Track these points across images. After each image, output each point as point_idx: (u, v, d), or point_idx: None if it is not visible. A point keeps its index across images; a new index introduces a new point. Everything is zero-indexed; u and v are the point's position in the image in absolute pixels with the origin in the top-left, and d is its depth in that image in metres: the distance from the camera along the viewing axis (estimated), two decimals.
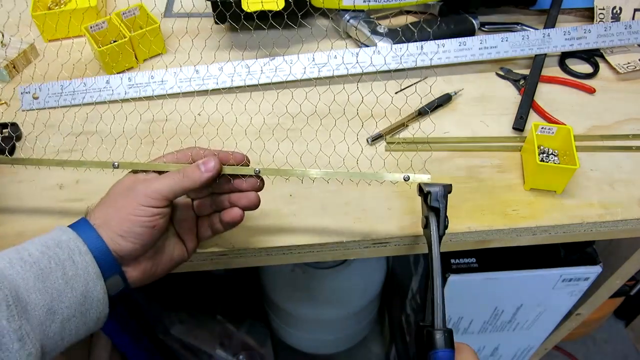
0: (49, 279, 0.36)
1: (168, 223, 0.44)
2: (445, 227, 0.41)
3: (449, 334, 0.36)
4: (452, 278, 0.68)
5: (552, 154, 0.56)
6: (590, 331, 1.42)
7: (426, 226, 0.42)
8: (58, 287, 0.37)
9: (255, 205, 0.45)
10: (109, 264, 0.40)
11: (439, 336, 0.35)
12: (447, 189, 0.41)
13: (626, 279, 0.72)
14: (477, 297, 0.73)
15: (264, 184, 0.46)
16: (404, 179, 0.43)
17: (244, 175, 0.44)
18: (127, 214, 0.40)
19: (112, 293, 0.41)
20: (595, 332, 1.43)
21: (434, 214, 0.41)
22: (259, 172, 0.44)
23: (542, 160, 0.54)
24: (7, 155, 0.57)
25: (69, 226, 0.41)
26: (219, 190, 0.46)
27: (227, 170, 0.44)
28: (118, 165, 0.45)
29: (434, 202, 0.40)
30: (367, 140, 0.59)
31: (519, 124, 0.60)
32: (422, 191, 0.42)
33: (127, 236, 0.40)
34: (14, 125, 0.58)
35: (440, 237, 0.40)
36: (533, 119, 0.62)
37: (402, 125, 0.60)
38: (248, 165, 0.45)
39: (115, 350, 0.90)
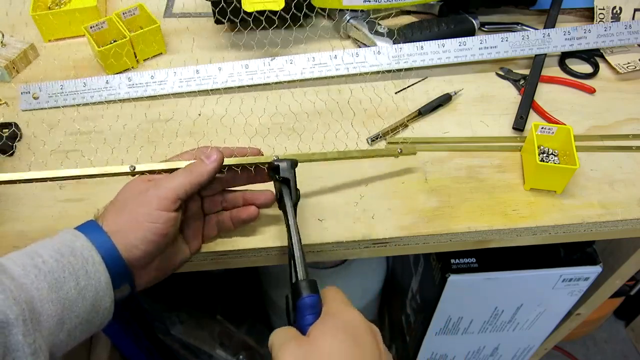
0: (63, 289, 0.36)
1: (176, 232, 0.44)
2: (298, 197, 0.45)
3: (312, 283, 0.38)
4: (452, 278, 0.68)
5: (552, 154, 0.56)
6: (590, 331, 1.42)
7: (280, 199, 0.45)
8: (70, 297, 0.36)
9: (272, 202, 0.47)
10: (121, 273, 0.39)
11: (303, 285, 0.38)
12: (294, 163, 0.46)
13: (626, 279, 0.72)
14: (477, 297, 0.73)
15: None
16: (399, 151, 0.53)
17: (263, 165, 0.47)
18: (142, 221, 0.40)
19: (118, 299, 0.41)
20: (595, 332, 1.43)
21: (286, 185, 0.45)
22: (278, 158, 0.46)
23: (542, 160, 0.54)
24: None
25: (79, 228, 0.40)
26: (238, 183, 0.48)
27: (247, 160, 0.46)
28: (134, 168, 0.45)
29: (284, 174, 0.45)
30: (367, 140, 0.59)
31: (519, 124, 0.60)
32: (272, 169, 0.46)
33: (139, 245, 0.39)
34: (14, 125, 0.58)
35: (294, 205, 0.44)
36: (533, 119, 0.62)
37: (402, 125, 0.60)
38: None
39: (115, 351, 0.90)
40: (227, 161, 0.46)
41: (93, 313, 0.38)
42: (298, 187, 0.45)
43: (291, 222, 0.42)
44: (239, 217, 0.47)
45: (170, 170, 0.44)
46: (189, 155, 0.45)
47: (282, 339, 0.35)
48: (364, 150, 0.52)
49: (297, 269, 0.40)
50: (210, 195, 0.48)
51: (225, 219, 0.47)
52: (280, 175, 0.45)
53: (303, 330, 0.36)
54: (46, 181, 0.45)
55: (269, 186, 0.48)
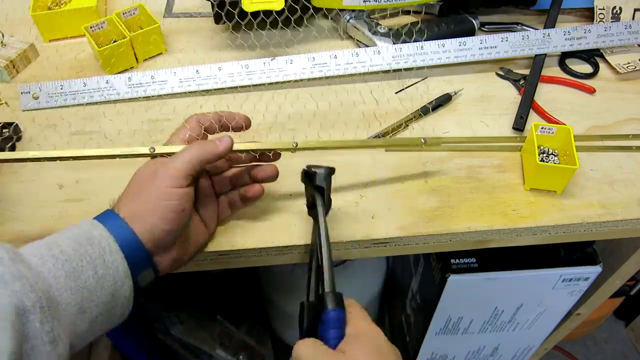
0: (80, 278, 0.36)
1: (192, 207, 0.44)
2: (330, 205, 0.45)
3: (339, 296, 0.38)
4: (452, 278, 0.68)
5: (552, 154, 0.56)
6: (590, 331, 1.42)
7: (312, 206, 0.45)
8: (89, 286, 0.37)
9: (274, 177, 0.48)
10: (141, 258, 0.40)
11: (330, 297, 0.37)
12: (331, 171, 0.44)
13: (626, 279, 0.72)
14: (477, 297, 0.73)
15: (279, 156, 0.49)
16: (422, 141, 0.52)
17: (282, 150, 0.47)
18: (156, 201, 0.40)
19: (143, 284, 0.41)
20: (595, 332, 1.43)
21: (319, 194, 0.44)
22: (297, 145, 0.47)
23: (542, 160, 0.54)
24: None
25: (97, 218, 0.40)
26: (240, 162, 0.48)
27: (266, 145, 0.47)
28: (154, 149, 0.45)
29: (320, 182, 0.43)
30: None
31: (519, 124, 0.60)
32: (308, 174, 0.45)
33: (159, 224, 0.40)
34: (14, 125, 0.58)
35: (326, 213, 0.43)
36: (533, 119, 0.62)
37: (402, 125, 0.60)
38: (249, 125, 0.48)
39: (116, 351, 0.90)
40: (247, 146, 0.46)
41: (112, 302, 0.38)
42: (299, 186, 0.45)
43: (322, 232, 0.41)
44: (246, 196, 0.47)
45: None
46: (192, 127, 0.46)
47: (315, 354, 0.35)
48: (386, 140, 0.51)
49: (325, 280, 0.39)
50: (218, 174, 0.48)
51: (235, 197, 0.48)
52: (316, 184, 0.44)
53: (328, 344, 0.36)
54: (69, 160, 0.45)
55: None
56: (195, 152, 0.42)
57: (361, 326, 0.37)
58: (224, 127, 0.47)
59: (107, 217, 0.40)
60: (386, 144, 0.51)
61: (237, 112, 0.48)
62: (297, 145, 0.47)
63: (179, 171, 0.41)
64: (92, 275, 0.37)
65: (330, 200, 0.45)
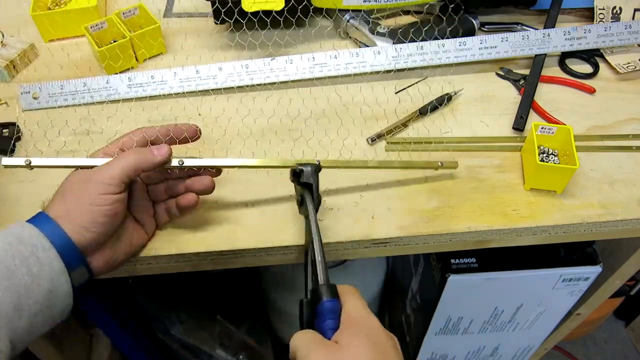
0: (15, 276, 0.37)
1: (125, 210, 0.44)
2: (319, 202, 0.45)
3: (332, 287, 0.39)
4: (452, 278, 0.68)
5: (552, 154, 0.56)
6: (590, 331, 1.42)
7: (302, 203, 0.45)
8: (25, 283, 0.37)
9: (210, 190, 0.47)
10: (74, 256, 0.40)
11: (324, 289, 0.38)
12: (317, 168, 0.46)
13: (626, 279, 0.72)
14: (477, 297, 0.73)
15: (220, 172, 0.49)
16: (439, 164, 0.54)
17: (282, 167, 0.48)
18: (88, 205, 0.41)
19: (77, 284, 0.41)
20: (595, 332, 1.43)
21: (308, 190, 0.45)
22: (319, 162, 0.47)
23: (542, 160, 0.54)
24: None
25: (28, 221, 0.41)
26: (175, 176, 0.48)
27: (264, 162, 0.47)
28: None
29: (307, 179, 0.45)
30: (367, 140, 0.59)
31: (519, 124, 0.60)
32: (295, 172, 0.46)
33: (90, 227, 0.40)
34: (14, 126, 0.58)
35: (315, 210, 0.44)
36: (533, 119, 0.62)
37: (402, 125, 0.60)
38: (199, 136, 0.48)
39: (115, 350, 0.90)
40: (225, 162, 0.46)
41: (52, 299, 0.39)
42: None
43: (313, 227, 0.42)
44: (180, 205, 0.47)
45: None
46: (128, 139, 0.46)
47: (309, 344, 0.35)
48: (404, 162, 0.54)
49: (319, 273, 0.39)
50: (154, 184, 0.48)
51: (172, 205, 0.48)
52: (303, 180, 0.45)
53: (325, 335, 0.37)
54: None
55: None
56: (131, 160, 0.42)
57: (356, 315, 0.37)
58: (172, 141, 0.47)
59: (37, 218, 0.41)
60: (402, 165, 0.54)
61: (187, 124, 0.47)
62: (319, 163, 0.47)
63: (113, 178, 0.41)
64: (26, 273, 0.37)
65: (319, 196, 0.45)
